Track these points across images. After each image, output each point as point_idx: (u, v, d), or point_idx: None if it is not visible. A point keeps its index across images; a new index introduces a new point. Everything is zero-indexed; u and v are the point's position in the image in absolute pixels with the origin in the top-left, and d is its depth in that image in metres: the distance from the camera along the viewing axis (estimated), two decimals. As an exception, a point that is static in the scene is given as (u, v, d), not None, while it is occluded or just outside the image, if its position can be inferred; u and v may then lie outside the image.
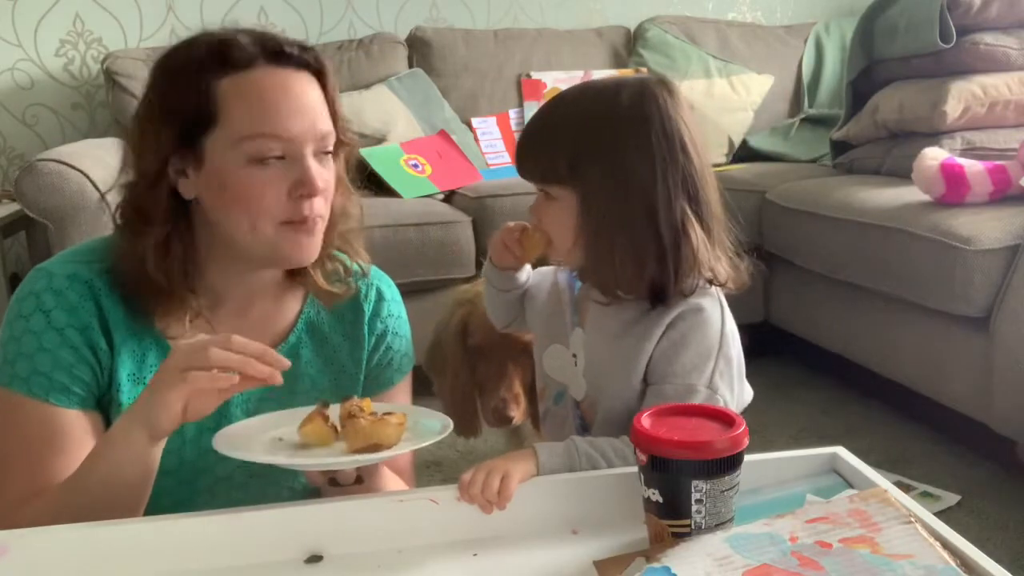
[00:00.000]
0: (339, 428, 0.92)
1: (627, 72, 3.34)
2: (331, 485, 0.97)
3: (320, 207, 1.01)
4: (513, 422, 1.49)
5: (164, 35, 3.17)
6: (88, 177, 2.19)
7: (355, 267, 1.14)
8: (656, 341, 1.02)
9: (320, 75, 1.03)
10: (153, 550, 0.84)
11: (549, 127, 1.05)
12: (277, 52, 1.00)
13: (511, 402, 1.48)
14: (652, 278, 1.01)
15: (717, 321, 1.03)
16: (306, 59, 1.02)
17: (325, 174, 1.02)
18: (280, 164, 0.98)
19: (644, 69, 3.34)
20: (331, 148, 1.03)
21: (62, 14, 3.08)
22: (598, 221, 1.01)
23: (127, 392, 1.03)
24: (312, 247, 1.03)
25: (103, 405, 1.03)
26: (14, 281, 2.75)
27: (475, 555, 0.86)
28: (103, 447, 0.94)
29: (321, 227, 1.03)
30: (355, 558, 0.86)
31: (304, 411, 0.95)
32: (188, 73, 0.98)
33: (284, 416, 0.97)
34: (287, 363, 0.90)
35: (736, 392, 1.05)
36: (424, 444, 0.91)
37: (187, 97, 0.98)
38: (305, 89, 1.00)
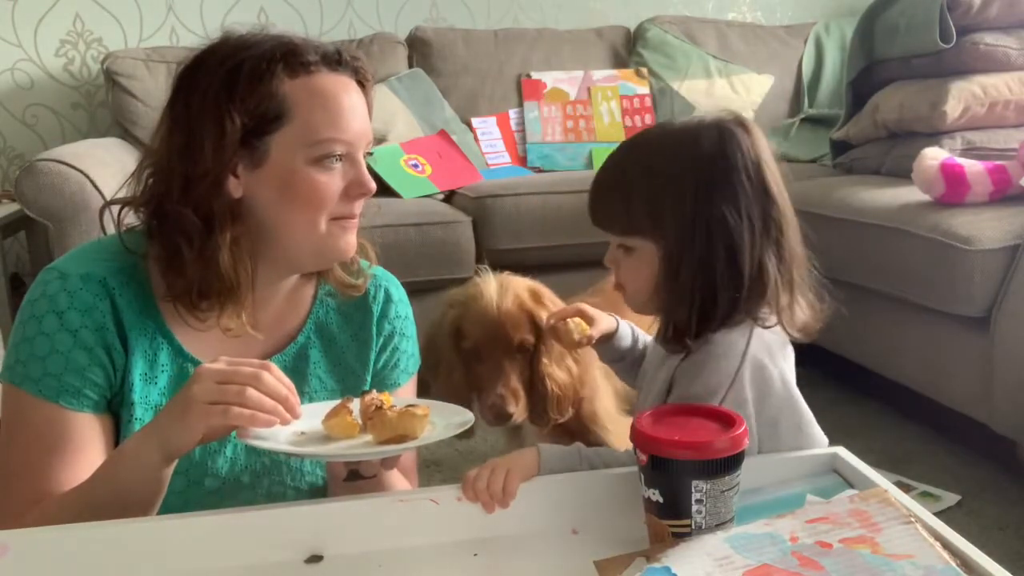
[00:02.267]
0: (360, 422, 0.93)
1: (627, 72, 3.34)
2: (351, 479, 0.98)
3: (361, 205, 1.06)
4: (512, 418, 1.49)
5: (164, 35, 3.17)
6: (88, 177, 2.19)
7: (363, 262, 1.16)
8: (673, 372, 1.01)
9: (363, 83, 1.07)
10: (153, 550, 0.84)
11: (626, 177, 1.01)
12: (335, 58, 1.03)
13: (510, 397, 1.47)
14: (721, 319, 0.98)
15: (732, 358, 0.98)
16: (357, 67, 1.06)
17: None
18: (339, 165, 1.02)
19: (644, 69, 3.34)
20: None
21: (62, 14, 3.08)
22: (681, 271, 0.97)
23: (139, 392, 1.02)
24: (355, 243, 1.07)
25: (114, 406, 1.03)
26: (14, 281, 2.75)
27: (475, 555, 0.86)
28: (114, 464, 0.94)
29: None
30: (355, 558, 0.86)
31: (322, 406, 0.96)
32: (256, 74, 0.99)
33: (304, 411, 0.97)
34: (300, 415, 0.91)
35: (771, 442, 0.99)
36: (448, 435, 0.92)
37: (255, 97, 0.99)
38: (358, 95, 1.05)
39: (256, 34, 1.04)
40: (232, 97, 0.98)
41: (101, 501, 0.92)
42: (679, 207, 0.96)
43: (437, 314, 1.59)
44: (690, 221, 0.96)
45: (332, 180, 1.01)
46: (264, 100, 0.99)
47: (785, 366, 1.04)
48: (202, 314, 1.02)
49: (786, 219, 1.00)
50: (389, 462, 0.98)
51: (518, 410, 1.49)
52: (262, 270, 1.05)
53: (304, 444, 0.92)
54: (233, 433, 1.05)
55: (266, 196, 1.01)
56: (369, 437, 0.92)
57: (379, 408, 0.92)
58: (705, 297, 0.97)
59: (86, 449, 0.99)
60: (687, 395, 0.97)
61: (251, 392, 0.87)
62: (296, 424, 0.94)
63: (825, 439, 1.04)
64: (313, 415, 0.95)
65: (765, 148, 1.00)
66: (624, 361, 1.22)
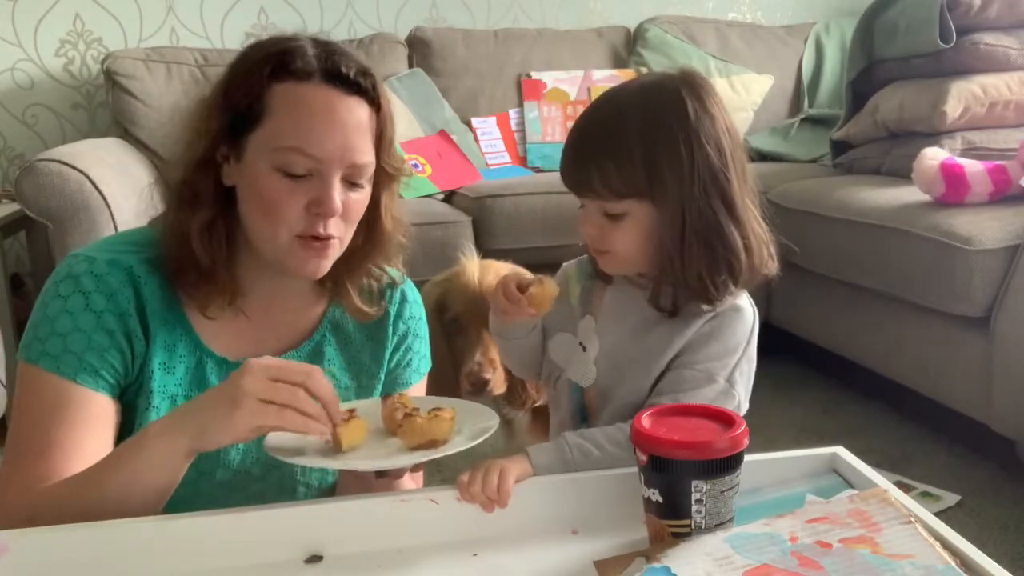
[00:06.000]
0: (383, 425, 0.95)
1: (628, 72, 3.34)
2: (380, 476, 0.98)
3: (337, 228, 1.01)
4: (489, 386, 1.54)
5: (164, 35, 3.17)
6: (88, 177, 2.19)
7: (386, 282, 1.16)
8: (687, 338, 1.02)
9: (375, 103, 1.03)
10: (153, 550, 0.84)
11: (612, 139, 0.99)
12: (335, 72, 1.00)
13: (486, 366, 1.54)
14: (732, 275, 1.00)
15: (750, 322, 1.03)
16: (363, 86, 1.02)
17: (353, 199, 1.02)
18: (306, 180, 0.99)
19: (644, 69, 3.34)
20: (364, 179, 1.03)
21: (62, 14, 3.08)
22: (688, 230, 0.98)
23: (158, 381, 1.03)
24: (320, 267, 1.03)
25: (128, 395, 1.03)
26: (14, 281, 2.75)
27: (475, 555, 0.86)
28: (137, 447, 0.92)
29: (336, 248, 1.03)
30: (355, 558, 0.86)
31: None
32: (250, 71, 1.00)
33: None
34: (339, 421, 0.90)
35: (748, 395, 1.04)
36: (480, 440, 0.92)
37: (243, 93, 1.00)
38: (350, 115, 1.00)
39: (288, 36, 1.03)
40: (226, 91, 1.01)
41: (115, 483, 0.91)
42: (676, 163, 0.97)
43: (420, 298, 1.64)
44: (688, 176, 0.97)
45: (292, 192, 0.99)
46: (247, 98, 0.99)
47: None
48: (195, 297, 1.03)
49: (749, 168, 1.03)
50: (419, 466, 0.98)
51: (495, 379, 1.53)
52: (256, 264, 1.06)
53: (332, 451, 0.92)
54: None
55: (241, 191, 1.03)
56: (396, 440, 0.93)
57: (408, 414, 0.92)
58: (721, 257, 0.99)
59: (98, 429, 0.99)
60: (706, 353, 1.01)
61: (302, 394, 0.87)
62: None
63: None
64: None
65: (720, 98, 1.02)
66: (532, 335, 1.16)
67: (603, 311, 1.09)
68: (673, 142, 0.97)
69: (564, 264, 1.18)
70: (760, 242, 1.02)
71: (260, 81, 0.99)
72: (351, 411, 0.93)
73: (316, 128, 0.98)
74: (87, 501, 0.89)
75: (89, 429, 0.98)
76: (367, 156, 1.02)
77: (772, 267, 1.04)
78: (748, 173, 1.03)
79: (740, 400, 1.02)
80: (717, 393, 0.99)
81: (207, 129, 1.01)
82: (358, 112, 1.01)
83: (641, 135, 0.97)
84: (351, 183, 1.02)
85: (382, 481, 0.99)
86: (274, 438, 0.93)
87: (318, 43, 1.03)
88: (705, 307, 1.01)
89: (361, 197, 1.04)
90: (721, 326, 1.01)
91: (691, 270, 0.99)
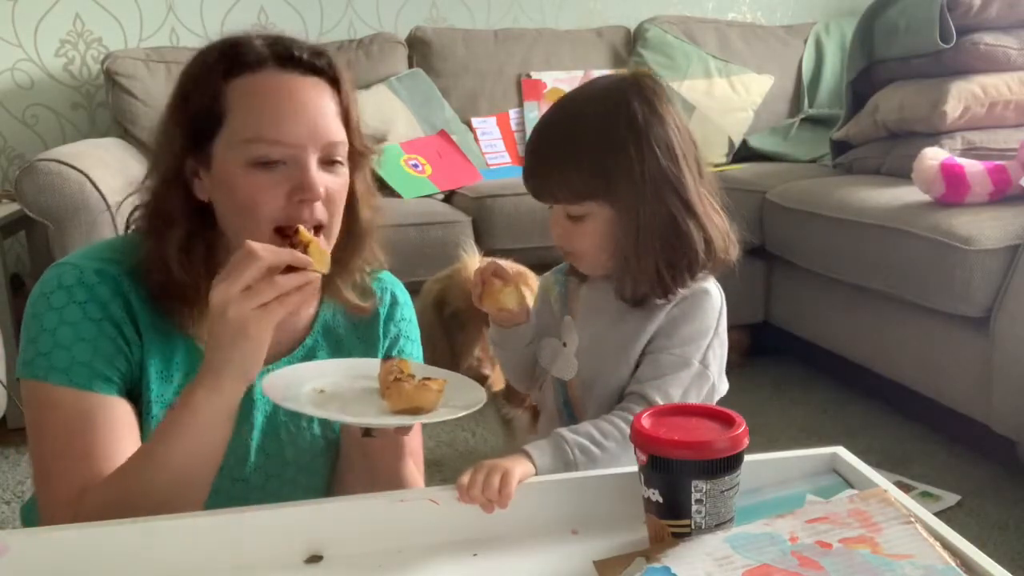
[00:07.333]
0: (380, 387, 0.97)
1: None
2: (365, 436, 1.00)
3: (321, 214, 0.99)
4: (488, 382, 1.55)
5: (164, 35, 3.17)
6: (88, 177, 2.19)
7: (375, 278, 1.16)
8: (659, 322, 1.05)
9: (334, 82, 1.02)
10: (153, 550, 0.84)
11: (567, 145, 1.03)
12: (287, 56, 0.99)
13: (486, 361, 1.56)
14: (690, 267, 1.04)
15: (718, 304, 1.07)
16: (318, 65, 1.01)
17: (332, 182, 1.00)
18: (282, 168, 0.97)
19: (644, 69, 3.34)
20: (340, 157, 1.01)
21: (62, 14, 3.08)
22: (641, 228, 1.02)
23: (156, 390, 1.02)
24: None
25: (133, 397, 1.02)
26: (14, 281, 2.75)
27: (475, 555, 0.86)
28: (183, 418, 0.91)
29: (321, 236, 1.00)
30: (355, 558, 0.86)
31: (346, 363, 1.04)
32: (200, 75, 0.99)
33: (326, 368, 1.02)
34: (308, 260, 0.90)
35: (722, 376, 1.08)
36: (461, 414, 0.93)
37: (197, 99, 0.98)
38: (312, 95, 0.99)
39: (237, 35, 1.01)
40: (179, 101, 0.99)
41: (178, 452, 0.90)
42: (626, 166, 1.01)
43: (421, 297, 1.64)
44: (641, 178, 1.01)
45: (267, 184, 0.96)
46: (206, 102, 0.97)
47: None
48: (175, 318, 1.02)
49: (704, 162, 1.07)
50: (403, 429, 1.01)
51: (494, 375, 1.54)
52: None
53: (325, 403, 0.95)
54: (250, 437, 1.07)
55: (217, 200, 1.00)
56: (385, 403, 0.95)
57: (399, 379, 0.94)
58: (677, 252, 1.03)
59: (125, 431, 0.98)
60: (679, 337, 1.04)
61: (281, 279, 0.87)
62: (318, 381, 0.98)
63: (727, 382, 1.10)
64: (335, 372, 1.00)
65: (671, 99, 1.06)
66: (528, 348, 1.17)
67: (580, 308, 1.12)
68: (623, 147, 1.01)
69: (542, 276, 1.21)
70: (720, 232, 1.05)
71: (215, 82, 0.97)
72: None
73: (280, 113, 0.96)
74: (147, 483, 0.89)
75: (118, 433, 0.97)
76: (339, 134, 1.00)
77: (735, 253, 1.08)
78: (704, 167, 1.07)
79: (715, 381, 1.05)
80: (693, 376, 1.03)
81: (168, 147, 0.99)
82: (320, 91, 1.00)
83: (592, 141, 1.01)
84: (328, 163, 1.00)
85: (374, 445, 1.02)
86: (267, 382, 0.94)
87: (267, 35, 1.01)
88: (659, 301, 1.04)
89: (341, 179, 1.01)
90: (692, 307, 1.05)
91: (648, 265, 1.03)
